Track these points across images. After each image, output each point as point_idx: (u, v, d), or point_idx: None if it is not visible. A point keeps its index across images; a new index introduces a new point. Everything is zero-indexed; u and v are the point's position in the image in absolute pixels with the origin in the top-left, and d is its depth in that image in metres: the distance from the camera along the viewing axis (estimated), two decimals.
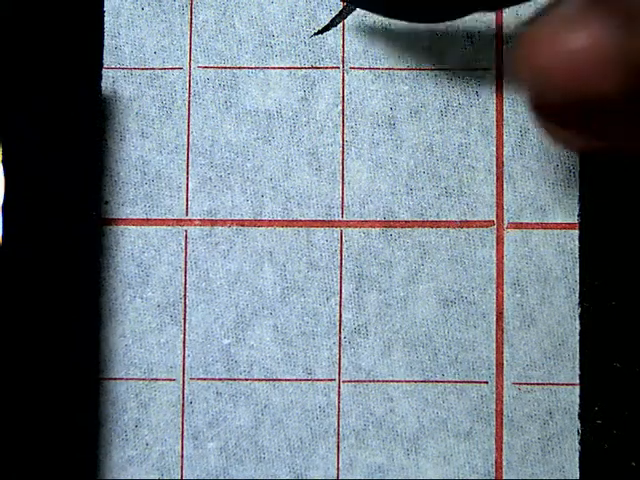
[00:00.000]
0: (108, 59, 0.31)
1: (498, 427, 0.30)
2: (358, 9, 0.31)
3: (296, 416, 0.31)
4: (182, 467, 0.31)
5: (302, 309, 0.31)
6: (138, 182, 0.31)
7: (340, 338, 0.31)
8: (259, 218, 0.31)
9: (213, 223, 0.31)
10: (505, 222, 0.31)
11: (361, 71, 0.31)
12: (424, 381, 0.31)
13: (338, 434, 0.31)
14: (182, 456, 0.31)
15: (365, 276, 0.31)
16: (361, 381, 0.31)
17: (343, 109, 0.31)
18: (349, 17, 0.31)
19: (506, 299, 0.31)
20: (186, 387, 0.31)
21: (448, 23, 0.31)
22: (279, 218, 0.31)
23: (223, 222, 0.31)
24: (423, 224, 0.31)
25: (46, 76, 0.30)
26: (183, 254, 0.31)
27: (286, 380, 0.31)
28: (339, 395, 0.31)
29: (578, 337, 0.30)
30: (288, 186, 0.31)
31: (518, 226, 0.31)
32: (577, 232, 0.31)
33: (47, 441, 0.30)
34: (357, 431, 0.31)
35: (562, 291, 0.30)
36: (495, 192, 0.31)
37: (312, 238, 0.31)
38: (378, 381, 0.31)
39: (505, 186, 0.31)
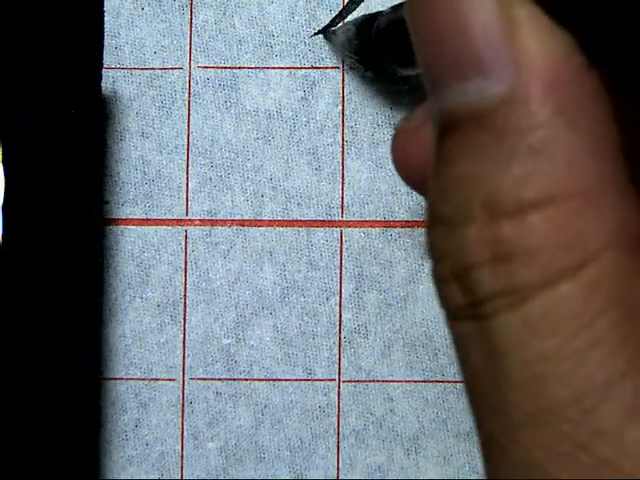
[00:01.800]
0: (108, 59, 0.31)
1: None
2: (358, 9, 0.31)
3: (296, 416, 0.31)
4: (182, 467, 0.31)
5: (302, 309, 0.31)
6: (138, 182, 0.31)
7: (340, 338, 0.31)
8: (259, 218, 0.31)
9: (213, 223, 0.31)
10: None
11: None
12: (424, 381, 0.31)
13: (338, 434, 0.31)
14: (182, 456, 0.31)
15: (365, 276, 0.31)
16: (361, 381, 0.31)
17: (343, 109, 0.31)
18: (349, 17, 0.31)
19: None
20: (186, 387, 0.31)
21: None
22: (279, 218, 0.31)
23: (223, 222, 0.31)
24: (423, 224, 0.31)
25: (46, 76, 0.30)
26: (183, 254, 0.31)
27: (286, 380, 0.31)
28: (339, 395, 0.31)
29: None
30: (288, 186, 0.31)
31: None
32: None
33: (48, 441, 0.30)
34: (357, 431, 0.31)
35: None
36: None
37: (312, 238, 0.31)
38: (378, 381, 0.31)
39: None
